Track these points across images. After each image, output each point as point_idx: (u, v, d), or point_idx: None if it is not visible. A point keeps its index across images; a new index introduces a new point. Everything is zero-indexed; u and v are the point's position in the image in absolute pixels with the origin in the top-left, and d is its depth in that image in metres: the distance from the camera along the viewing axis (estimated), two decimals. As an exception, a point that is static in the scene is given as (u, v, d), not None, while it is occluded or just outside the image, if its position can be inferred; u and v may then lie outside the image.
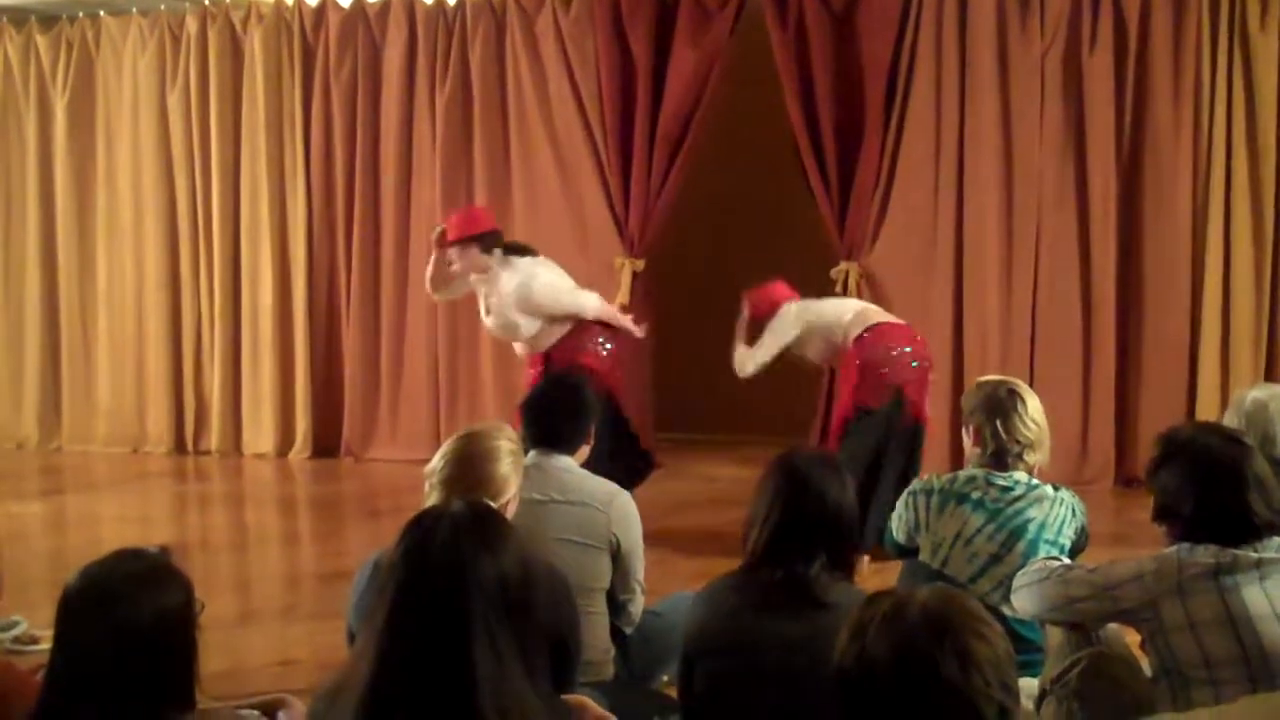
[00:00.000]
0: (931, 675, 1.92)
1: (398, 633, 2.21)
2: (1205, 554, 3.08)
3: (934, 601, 2.00)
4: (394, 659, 2.20)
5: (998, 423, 4.04)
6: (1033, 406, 4.09)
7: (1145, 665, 3.29)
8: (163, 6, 10.10)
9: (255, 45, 9.84)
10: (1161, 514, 3.25)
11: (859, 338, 6.37)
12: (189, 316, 10.18)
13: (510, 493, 3.59)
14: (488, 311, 6.60)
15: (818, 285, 7.62)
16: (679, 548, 6.23)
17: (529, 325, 6.52)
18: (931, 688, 1.92)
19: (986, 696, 1.92)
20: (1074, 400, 8.30)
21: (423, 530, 2.30)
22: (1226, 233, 8.14)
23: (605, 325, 6.74)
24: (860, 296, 8.38)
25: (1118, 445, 8.36)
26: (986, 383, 4.21)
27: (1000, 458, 4.06)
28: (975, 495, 4.02)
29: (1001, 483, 4.02)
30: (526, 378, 6.77)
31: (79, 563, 2.55)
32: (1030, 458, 4.07)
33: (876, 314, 6.60)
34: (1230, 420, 4.34)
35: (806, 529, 3.14)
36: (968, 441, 4.20)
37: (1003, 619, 3.65)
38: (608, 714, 3.05)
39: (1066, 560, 3.70)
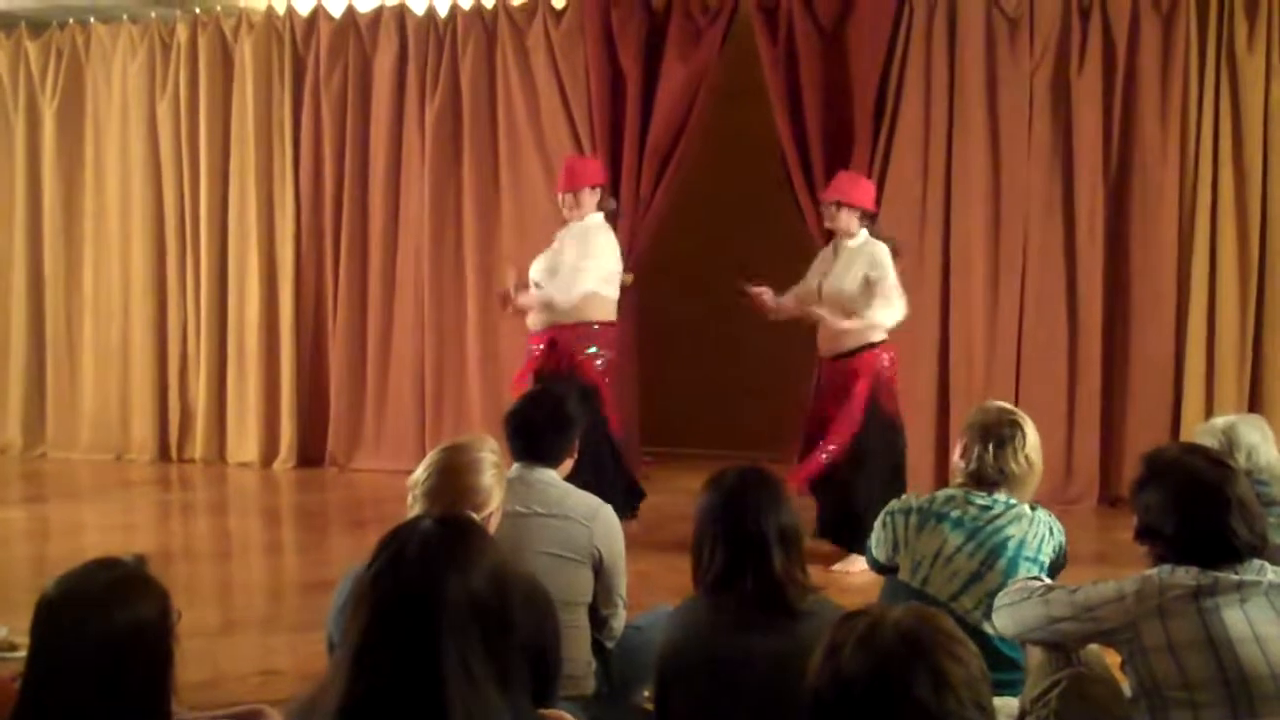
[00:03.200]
0: (905, 696, 1.92)
1: (370, 653, 2.20)
2: (1186, 575, 3.08)
3: (908, 621, 2.00)
4: (366, 679, 2.18)
5: (989, 446, 4.04)
6: (1031, 444, 4.06)
7: (1125, 686, 3.29)
8: (153, 14, 10.10)
9: (246, 54, 9.85)
10: (1144, 534, 3.25)
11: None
12: (175, 324, 10.17)
13: (493, 505, 3.59)
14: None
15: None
16: (661, 562, 6.22)
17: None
18: (905, 708, 1.92)
19: (960, 717, 1.92)
20: (1059, 419, 8.30)
21: (393, 550, 2.28)
22: (1212, 251, 8.17)
23: (609, 334, 7.05)
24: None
25: (1102, 464, 8.38)
26: (995, 406, 4.20)
27: (979, 479, 4.06)
28: (954, 514, 4.02)
29: (980, 501, 4.02)
30: (529, 353, 7.13)
31: (61, 570, 2.55)
32: (1004, 494, 4.06)
33: None
34: (1205, 443, 4.37)
35: (755, 546, 3.18)
36: (955, 453, 4.20)
37: (984, 638, 3.66)
38: (587, 729, 3.06)
39: (1047, 580, 3.70)
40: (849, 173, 7.44)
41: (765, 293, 6.94)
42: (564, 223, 7.21)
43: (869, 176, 8.55)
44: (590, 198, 7.03)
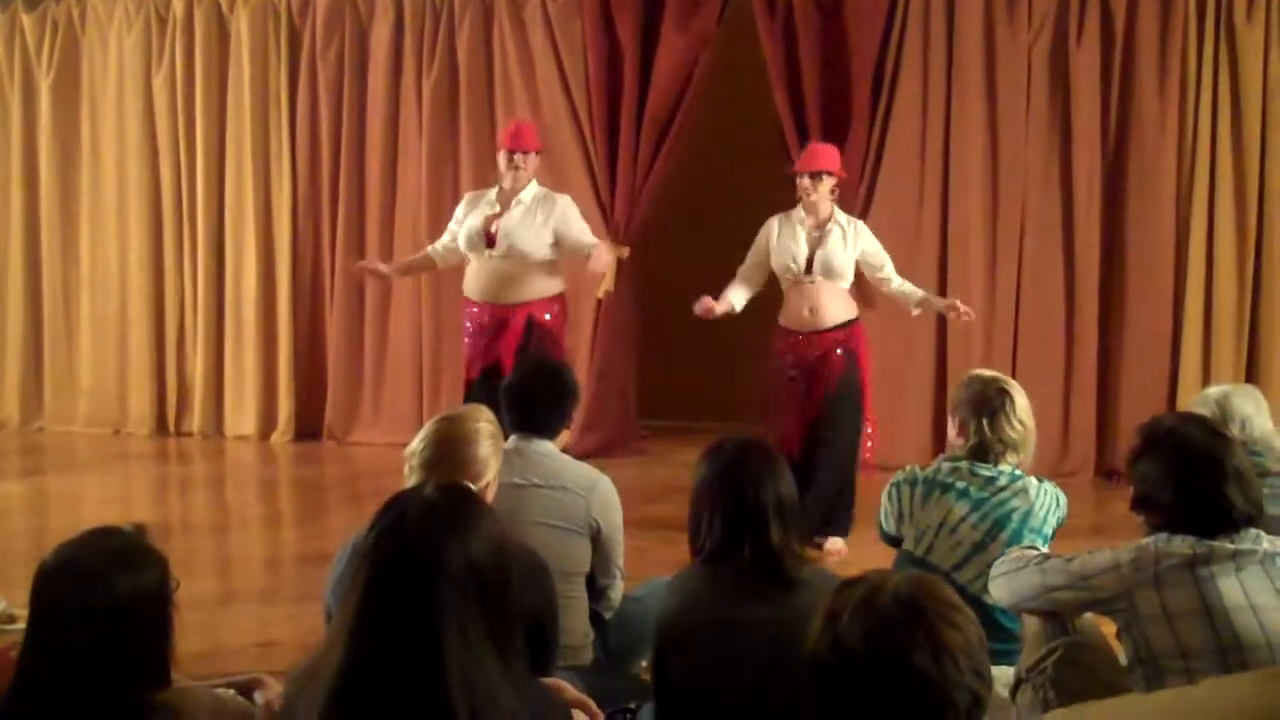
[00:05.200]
0: (904, 663, 1.93)
1: (369, 617, 2.21)
2: (1182, 545, 3.09)
3: (906, 589, 2.01)
4: (365, 643, 2.19)
5: (984, 420, 4.06)
6: (1021, 406, 4.10)
7: (1121, 655, 3.30)
8: (148, -13, 10.08)
9: (242, 27, 9.80)
10: (1140, 503, 3.26)
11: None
12: (172, 298, 10.14)
13: (490, 475, 3.59)
14: (491, 239, 6.68)
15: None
16: (659, 534, 6.24)
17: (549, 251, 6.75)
18: (904, 676, 1.93)
19: (959, 684, 1.93)
20: (1056, 392, 8.31)
21: (395, 515, 2.29)
22: (1210, 225, 8.16)
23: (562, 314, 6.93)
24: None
25: (1098, 437, 8.39)
26: (978, 378, 4.23)
27: (981, 453, 4.08)
28: (959, 485, 4.04)
29: (985, 473, 4.04)
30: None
31: (59, 542, 2.55)
32: (1012, 458, 4.09)
33: None
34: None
35: (753, 516, 3.19)
36: (952, 431, 4.22)
37: (984, 608, 3.68)
38: (584, 697, 3.07)
39: (1045, 550, 3.71)
40: (821, 143, 7.24)
41: (709, 301, 6.70)
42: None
43: (867, 151, 8.56)
44: (533, 162, 6.85)
